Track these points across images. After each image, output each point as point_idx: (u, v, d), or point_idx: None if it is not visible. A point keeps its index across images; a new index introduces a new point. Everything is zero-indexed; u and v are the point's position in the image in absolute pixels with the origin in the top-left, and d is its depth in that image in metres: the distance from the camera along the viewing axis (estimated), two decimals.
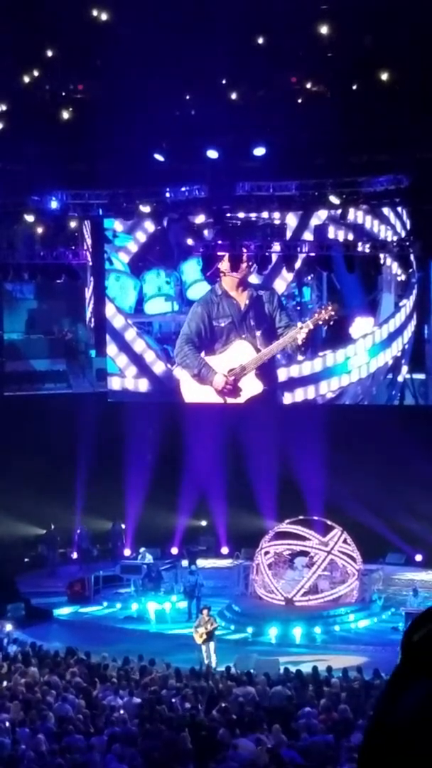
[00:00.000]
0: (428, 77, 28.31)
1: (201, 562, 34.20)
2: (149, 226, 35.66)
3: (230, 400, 34.91)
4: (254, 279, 35.20)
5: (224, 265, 33.34)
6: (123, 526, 36.78)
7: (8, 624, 29.33)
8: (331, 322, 34.07)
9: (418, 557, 34.40)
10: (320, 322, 34.12)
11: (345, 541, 31.30)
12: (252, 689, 21.35)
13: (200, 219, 33.32)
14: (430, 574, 33.47)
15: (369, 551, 32.36)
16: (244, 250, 32.50)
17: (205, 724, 18.51)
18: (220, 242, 32.76)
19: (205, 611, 26.94)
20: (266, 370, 34.97)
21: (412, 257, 32.77)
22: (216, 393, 34.93)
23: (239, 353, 34.82)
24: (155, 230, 35.25)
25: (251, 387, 34.81)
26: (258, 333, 34.70)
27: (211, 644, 26.24)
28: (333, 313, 33.64)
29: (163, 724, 18.32)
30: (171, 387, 36.15)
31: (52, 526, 36.26)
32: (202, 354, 35.46)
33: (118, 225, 36.37)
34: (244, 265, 33.65)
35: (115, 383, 37.07)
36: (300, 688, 21.52)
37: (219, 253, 32.94)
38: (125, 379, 36.98)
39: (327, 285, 35.54)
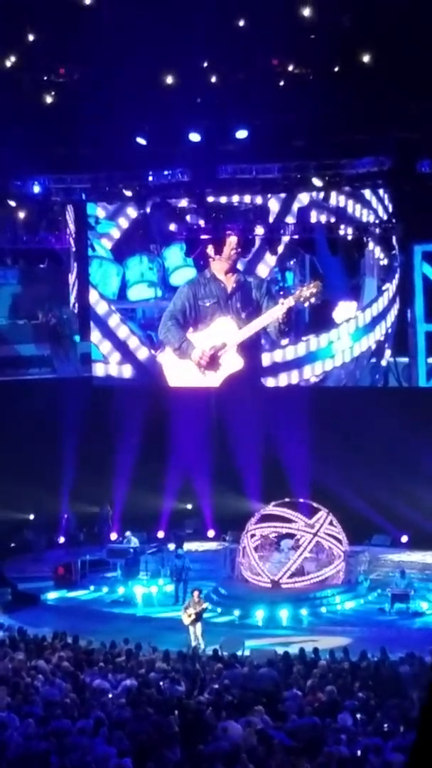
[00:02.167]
0: (410, 58, 28.26)
1: (187, 546, 34.31)
2: (132, 212, 35.60)
3: (209, 374, 34.76)
4: (240, 266, 35.16)
5: (213, 249, 33.31)
6: (110, 510, 36.82)
7: None
8: (313, 300, 33.49)
9: (404, 538, 34.53)
10: (302, 299, 33.68)
11: (331, 523, 31.40)
12: (239, 671, 21.43)
13: (183, 203, 33.28)
14: (416, 555, 33.58)
15: (355, 533, 32.50)
16: (231, 233, 32.52)
17: (192, 706, 18.55)
18: (202, 226, 32.74)
19: (196, 593, 27.10)
20: (248, 349, 34.93)
21: (394, 241, 32.76)
22: (195, 366, 34.75)
23: (221, 329, 34.78)
24: (138, 216, 35.17)
25: (231, 363, 34.76)
26: (243, 315, 34.65)
27: (198, 626, 26.39)
28: (315, 290, 33.07)
29: (150, 707, 18.35)
30: (155, 373, 36.08)
31: (36, 513, 36.28)
32: (187, 331, 35.41)
33: (100, 211, 36.28)
34: (233, 251, 33.59)
35: (99, 369, 37.02)
36: (286, 670, 21.60)
37: (204, 237, 32.93)
38: (109, 366, 36.93)
39: (310, 269, 35.52)
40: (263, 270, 35.33)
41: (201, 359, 33.90)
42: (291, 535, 31.65)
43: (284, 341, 35.11)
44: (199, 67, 31.20)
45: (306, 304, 33.55)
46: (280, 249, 33.38)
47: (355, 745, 16.12)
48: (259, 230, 32.74)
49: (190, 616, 26.47)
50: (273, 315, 33.41)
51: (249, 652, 24.67)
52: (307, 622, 29.01)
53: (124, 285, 36.99)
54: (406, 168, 29.90)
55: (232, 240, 33.17)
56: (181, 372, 35.13)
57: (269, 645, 25.30)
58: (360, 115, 29.21)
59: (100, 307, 36.98)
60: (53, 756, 15.73)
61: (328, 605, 30.17)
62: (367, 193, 33.56)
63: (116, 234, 36.75)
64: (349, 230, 32.30)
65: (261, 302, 34.38)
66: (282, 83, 30.93)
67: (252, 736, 16.62)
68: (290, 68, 31.08)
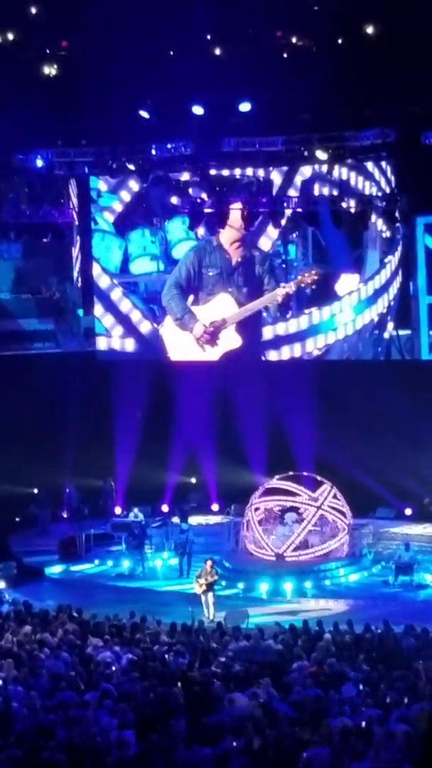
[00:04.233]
0: (414, 30, 28.17)
1: (192, 519, 34.35)
2: (134, 185, 35.55)
3: (208, 349, 34.96)
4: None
5: (229, 218, 33.31)
6: (113, 483, 36.86)
7: (1, 581, 29.58)
8: (314, 286, 34.31)
9: (408, 511, 34.57)
10: (302, 285, 34.25)
11: (335, 496, 31.42)
12: (244, 644, 21.51)
13: (185, 177, 33.23)
14: (420, 527, 33.64)
15: (359, 506, 32.51)
16: (239, 206, 32.62)
17: (197, 679, 18.63)
18: (205, 199, 32.69)
19: (208, 562, 27.43)
20: (246, 326, 35.04)
21: (397, 213, 32.70)
22: (195, 341, 35.04)
23: (222, 306, 34.90)
24: (140, 189, 35.14)
25: (230, 340, 34.93)
26: (244, 290, 34.78)
27: (210, 595, 26.78)
28: (316, 276, 33.87)
29: (155, 680, 18.43)
30: (157, 346, 36.13)
31: (40, 487, 36.35)
32: (189, 301, 35.51)
33: (102, 185, 36.22)
34: (241, 223, 33.73)
35: (101, 343, 37.01)
36: (291, 642, 21.67)
37: (230, 208, 32.91)
38: (112, 339, 36.92)
39: (312, 242, 35.50)
40: (266, 243, 35.30)
41: (201, 336, 34.37)
42: (295, 509, 31.68)
43: (287, 314, 35.28)
44: (202, 40, 31.12)
45: (308, 290, 34.06)
46: (283, 222, 33.34)
47: (359, 717, 16.19)
48: (262, 203, 32.70)
49: (201, 585, 26.83)
50: (272, 298, 33.77)
51: (224, 614, 25.12)
52: (311, 594, 29.06)
53: (126, 258, 36.95)
54: (411, 140, 29.81)
55: (240, 212, 33.25)
56: (181, 345, 35.29)
57: (274, 618, 25.35)
58: (364, 87, 29.14)
59: (103, 281, 36.95)
60: (59, 728, 15.81)
61: (332, 578, 30.22)
62: (370, 165, 33.48)
63: (118, 207, 36.68)
64: (352, 203, 32.22)
65: (263, 278, 34.55)
66: (286, 56, 30.87)
67: (256, 708, 16.69)
68: (294, 40, 31.02)
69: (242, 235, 34.50)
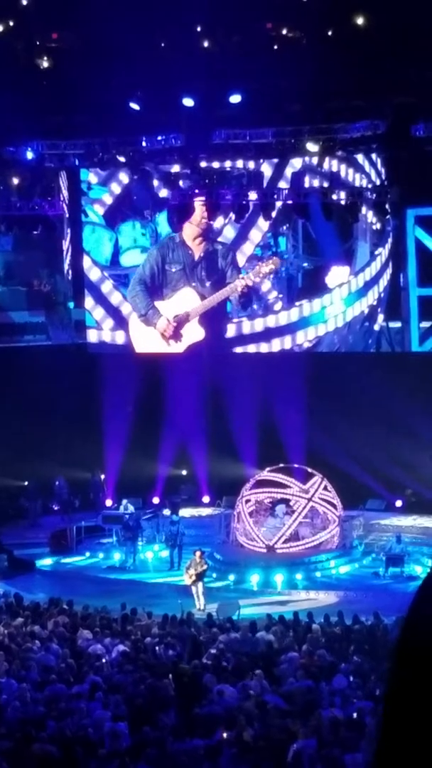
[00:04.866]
0: (404, 22, 28.16)
1: (182, 512, 34.36)
2: (124, 177, 35.55)
3: (172, 344, 35.14)
4: (230, 231, 35.28)
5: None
6: (102, 476, 36.85)
7: None
8: (271, 276, 34.54)
9: (398, 503, 34.61)
10: (261, 275, 34.30)
11: (325, 488, 31.45)
12: (234, 636, 21.54)
13: (175, 169, 33.27)
14: (410, 519, 33.68)
15: (349, 498, 32.54)
16: (200, 200, 32.81)
17: (188, 670, 18.66)
18: (196, 191, 32.74)
19: (198, 553, 27.49)
20: (209, 319, 35.17)
21: (387, 205, 32.73)
22: (159, 336, 35.22)
23: (185, 300, 35.04)
24: (130, 181, 35.16)
25: (193, 334, 35.05)
26: (207, 284, 34.92)
27: (200, 585, 26.91)
28: (274, 267, 34.10)
29: (146, 672, 18.46)
30: (148, 339, 36.22)
31: (30, 480, 36.34)
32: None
33: (92, 177, 36.18)
34: (203, 218, 33.93)
35: (92, 336, 37.01)
36: (282, 633, 21.70)
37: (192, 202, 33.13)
38: (102, 332, 36.92)
39: (303, 234, 35.52)
40: (256, 235, 35.33)
41: (165, 331, 34.62)
42: (286, 501, 31.70)
43: (277, 306, 35.37)
44: (192, 32, 31.08)
45: (267, 280, 34.32)
46: (274, 214, 33.41)
47: (350, 708, 16.22)
48: (253, 195, 32.74)
49: (191, 576, 26.88)
50: (232, 290, 34.00)
51: (216, 606, 25.15)
52: (302, 586, 29.10)
53: (116, 251, 36.94)
54: (401, 132, 29.82)
55: (202, 207, 33.40)
56: (145, 338, 35.48)
57: (264, 610, 25.38)
58: (354, 79, 29.13)
59: (93, 273, 36.93)
60: (50, 720, 15.82)
61: (323, 570, 30.27)
62: (360, 157, 33.49)
63: (108, 200, 36.66)
64: (343, 195, 32.24)
65: (226, 271, 34.74)
66: (276, 47, 30.84)
67: (247, 699, 16.73)
68: (284, 32, 30.98)
69: (203, 229, 34.68)
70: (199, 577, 26.99)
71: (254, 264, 34.94)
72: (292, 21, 31.03)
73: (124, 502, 34.35)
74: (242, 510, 31.50)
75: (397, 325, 34.96)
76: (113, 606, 24.38)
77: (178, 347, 35.21)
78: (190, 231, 34.67)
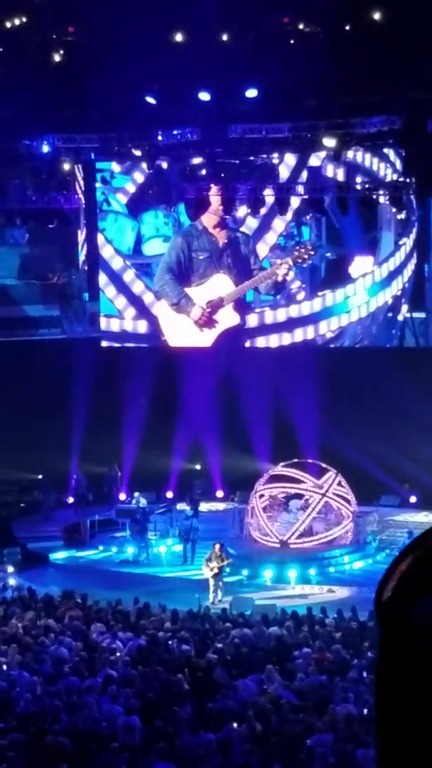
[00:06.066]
0: (420, 17, 28.08)
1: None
2: (146, 167, 35.55)
3: (206, 331, 35.11)
4: (253, 221, 35.40)
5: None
6: (119, 470, 36.84)
7: (9, 566, 29.61)
8: (309, 261, 34.45)
9: (413, 499, 34.52)
10: (299, 261, 34.28)
11: (339, 484, 31.40)
12: (248, 630, 21.52)
13: (197, 160, 33.36)
14: (424, 515, 33.61)
15: (363, 493, 32.47)
16: (214, 192, 32.89)
17: (201, 665, 18.66)
18: (212, 185, 32.78)
19: (217, 546, 27.42)
20: (244, 304, 35.24)
21: (412, 196, 32.67)
22: (193, 323, 35.18)
23: (218, 286, 35.04)
24: (152, 171, 35.16)
25: (228, 319, 35.03)
26: (234, 271, 34.97)
27: (218, 579, 26.74)
28: (312, 252, 34.05)
29: (159, 666, 18.46)
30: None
31: (45, 473, 36.37)
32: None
33: (115, 166, 36.21)
34: (220, 206, 33.97)
35: (114, 325, 37.05)
36: (295, 629, 21.68)
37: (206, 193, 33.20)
38: (124, 321, 36.97)
39: (326, 224, 35.46)
40: (279, 225, 35.39)
41: (200, 318, 34.57)
42: (300, 496, 31.67)
43: (300, 296, 35.42)
44: (209, 26, 31.03)
45: (304, 265, 34.25)
46: (295, 206, 33.53)
47: (363, 704, 16.20)
48: (269, 191, 32.80)
49: (212, 569, 26.85)
50: (271, 274, 33.93)
51: (230, 599, 25.23)
52: (316, 581, 29.07)
53: (139, 240, 36.99)
54: (417, 127, 29.75)
55: (217, 197, 33.47)
56: (176, 326, 35.41)
57: (278, 605, 25.37)
58: (370, 74, 29.05)
59: (116, 262, 36.94)
60: (63, 713, 15.84)
61: (337, 565, 30.23)
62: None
63: (131, 189, 36.65)
64: (364, 186, 32.26)
65: (249, 258, 34.84)
66: (292, 42, 30.77)
67: (260, 694, 16.73)
68: (300, 27, 30.91)
69: (222, 217, 34.71)
70: (220, 570, 26.98)
71: (277, 254, 34.96)
72: (308, 15, 30.96)
73: (137, 495, 34.31)
74: (256, 505, 31.48)
75: (422, 315, 34.90)
76: (127, 600, 24.37)
77: (212, 334, 35.14)
78: (209, 220, 34.72)
